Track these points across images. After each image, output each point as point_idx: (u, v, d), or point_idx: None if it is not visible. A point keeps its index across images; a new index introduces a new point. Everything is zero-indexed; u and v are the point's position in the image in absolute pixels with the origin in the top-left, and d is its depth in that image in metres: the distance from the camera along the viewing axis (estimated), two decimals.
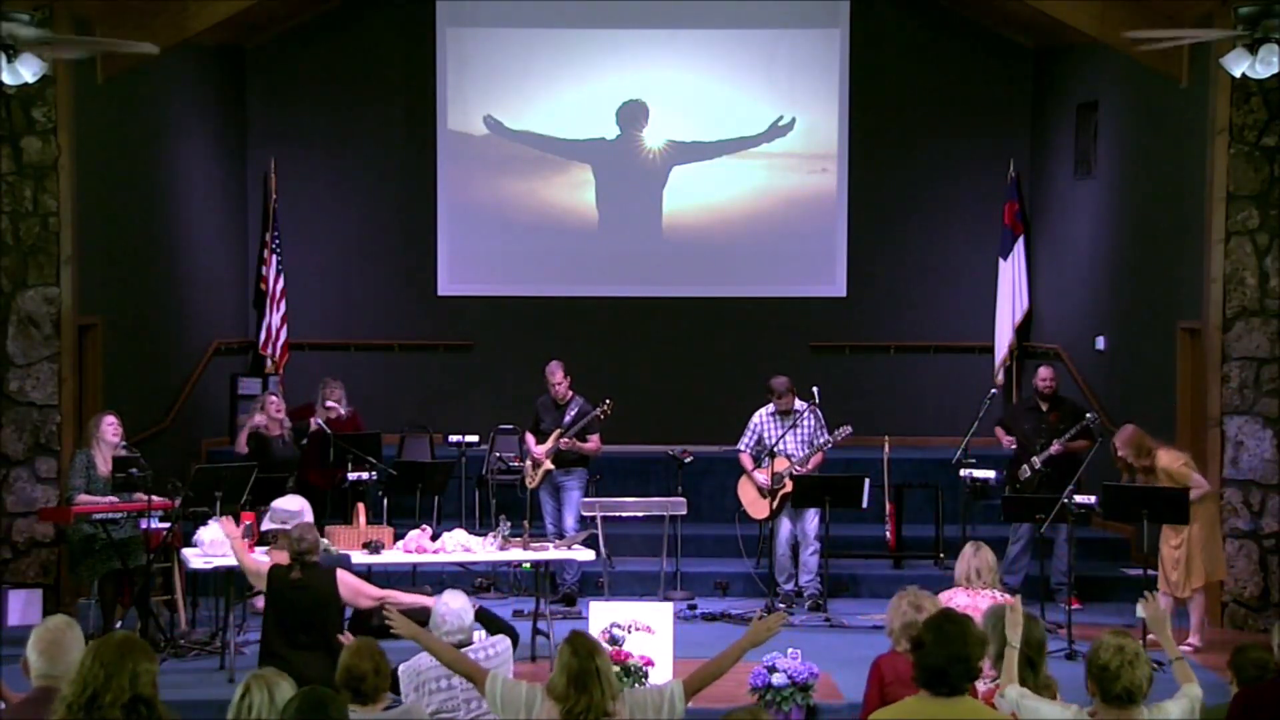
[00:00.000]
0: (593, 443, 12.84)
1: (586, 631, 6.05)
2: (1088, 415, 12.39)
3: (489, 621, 8.44)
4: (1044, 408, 12.70)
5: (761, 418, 12.77)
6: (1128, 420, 13.60)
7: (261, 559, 9.27)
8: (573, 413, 12.80)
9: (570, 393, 12.85)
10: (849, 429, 12.61)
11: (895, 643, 6.92)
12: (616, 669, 7.43)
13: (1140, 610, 6.00)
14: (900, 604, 6.93)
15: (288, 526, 10.37)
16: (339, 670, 5.94)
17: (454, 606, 7.59)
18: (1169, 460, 11.18)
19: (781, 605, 12.15)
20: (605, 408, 12.72)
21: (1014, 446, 12.75)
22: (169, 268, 14.52)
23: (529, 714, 5.72)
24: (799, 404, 12.69)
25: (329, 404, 13.25)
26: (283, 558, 10.22)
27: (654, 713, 5.75)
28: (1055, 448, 12.33)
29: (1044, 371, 12.80)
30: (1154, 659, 10.05)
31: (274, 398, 13.05)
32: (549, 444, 12.72)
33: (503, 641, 7.69)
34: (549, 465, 12.71)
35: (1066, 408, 12.72)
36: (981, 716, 5.37)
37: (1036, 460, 12.44)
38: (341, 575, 8.90)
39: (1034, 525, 11.97)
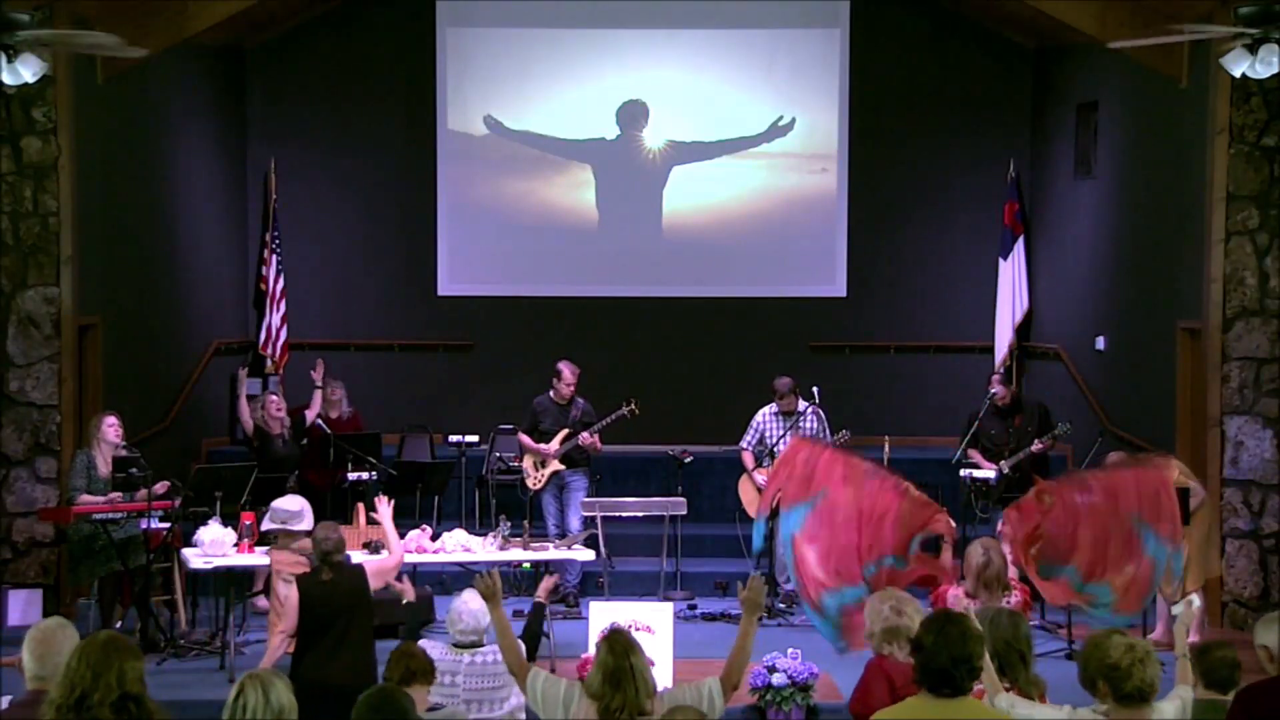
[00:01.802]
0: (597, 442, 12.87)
1: (623, 629, 6.09)
2: (1060, 425, 12.29)
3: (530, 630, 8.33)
4: (1006, 414, 12.66)
5: (764, 417, 12.78)
6: (1127, 421, 13.64)
7: (288, 598, 9.15)
8: (578, 410, 12.80)
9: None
10: (846, 433, 12.63)
11: (876, 647, 6.55)
12: None
13: (1177, 608, 6.01)
14: (881, 607, 6.59)
15: (288, 526, 10.39)
16: (390, 666, 6.36)
17: (473, 607, 7.67)
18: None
19: (782, 605, 12.17)
20: (632, 407, 12.73)
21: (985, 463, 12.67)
22: (169, 268, 14.52)
23: (566, 712, 5.79)
24: (802, 405, 12.70)
25: (317, 378, 13.17)
26: (281, 557, 10.23)
27: (694, 712, 5.80)
28: (1037, 446, 12.28)
29: (999, 390, 12.66)
30: (1159, 659, 10.03)
31: (274, 396, 13.06)
32: (555, 445, 12.71)
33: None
34: (558, 465, 12.72)
35: (1029, 410, 12.70)
36: (985, 717, 5.37)
37: (1005, 465, 12.41)
38: (368, 567, 8.91)
39: None
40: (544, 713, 5.91)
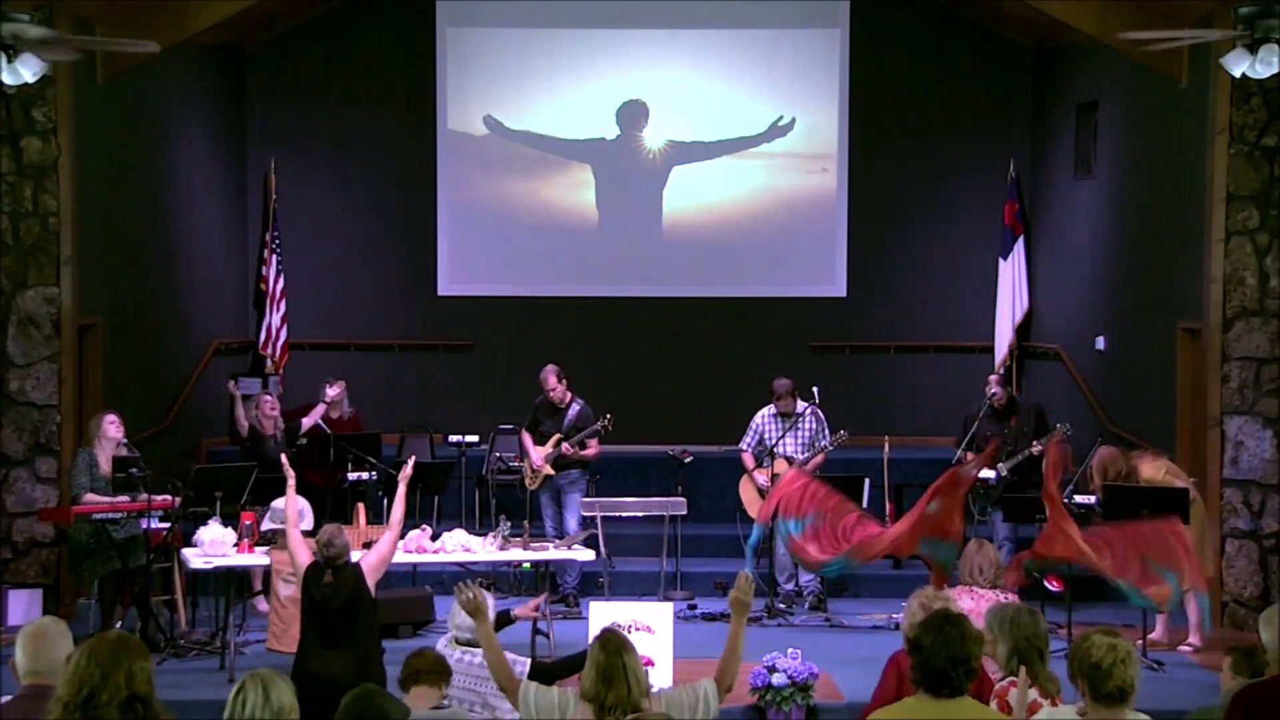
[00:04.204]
0: (592, 448, 12.84)
1: (617, 629, 6.11)
2: (1059, 425, 12.25)
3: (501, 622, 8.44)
4: (1002, 415, 12.65)
5: (764, 418, 12.78)
6: (1127, 421, 13.64)
7: (301, 556, 9.19)
8: (573, 414, 12.78)
9: (569, 395, 12.85)
10: (844, 434, 12.63)
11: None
12: None
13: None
14: (911, 604, 6.94)
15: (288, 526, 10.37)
16: (403, 666, 6.69)
17: None
18: (1151, 472, 11.15)
19: (782, 605, 12.17)
20: (607, 422, 12.70)
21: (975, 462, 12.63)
22: (169, 268, 14.52)
23: (563, 715, 5.77)
24: (801, 405, 12.69)
25: (329, 395, 13.20)
26: (282, 557, 10.23)
27: (689, 712, 5.82)
28: (1037, 448, 12.23)
29: (996, 391, 12.66)
30: (1155, 659, 10.02)
31: (269, 397, 13.06)
32: (548, 449, 12.70)
33: (524, 663, 7.67)
34: (548, 470, 12.71)
35: (1024, 411, 12.69)
36: (982, 717, 5.37)
37: (1003, 467, 12.38)
38: (364, 565, 8.92)
39: (1013, 527, 12.07)
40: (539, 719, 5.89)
